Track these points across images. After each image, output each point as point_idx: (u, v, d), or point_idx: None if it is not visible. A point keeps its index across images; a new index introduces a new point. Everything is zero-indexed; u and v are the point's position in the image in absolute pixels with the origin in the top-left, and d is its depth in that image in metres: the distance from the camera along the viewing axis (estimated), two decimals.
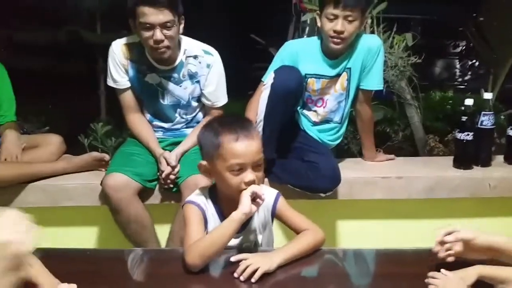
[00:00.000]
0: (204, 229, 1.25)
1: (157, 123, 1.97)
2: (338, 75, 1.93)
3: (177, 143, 1.91)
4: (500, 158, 2.13)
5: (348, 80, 1.93)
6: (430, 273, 1.08)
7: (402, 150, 2.57)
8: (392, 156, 2.19)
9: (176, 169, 1.79)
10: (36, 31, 3.61)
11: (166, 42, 1.74)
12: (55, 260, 1.23)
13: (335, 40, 1.82)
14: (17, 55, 3.37)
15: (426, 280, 1.07)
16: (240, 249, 1.26)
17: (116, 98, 1.96)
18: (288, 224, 1.31)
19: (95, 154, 2.01)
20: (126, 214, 1.72)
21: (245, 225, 1.27)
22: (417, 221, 2.01)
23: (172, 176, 1.78)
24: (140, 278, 1.24)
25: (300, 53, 1.91)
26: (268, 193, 1.32)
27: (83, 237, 1.99)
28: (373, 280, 1.15)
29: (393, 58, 2.53)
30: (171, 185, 1.80)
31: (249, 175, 1.18)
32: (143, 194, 1.84)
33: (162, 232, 1.89)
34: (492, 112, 2.02)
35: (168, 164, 1.78)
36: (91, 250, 1.38)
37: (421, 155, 2.54)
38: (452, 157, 2.11)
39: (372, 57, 1.90)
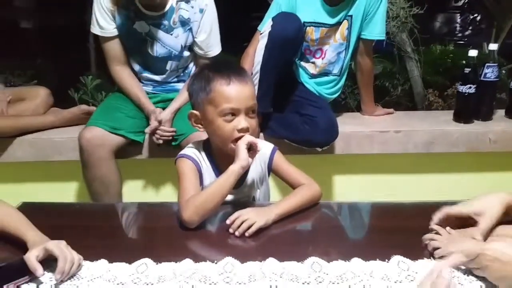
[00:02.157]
0: (199, 183, 1.20)
1: (147, 75, 1.87)
2: (338, 24, 1.84)
3: (168, 100, 1.83)
4: (501, 112, 2.10)
5: (349, 28, 1.84)
6: (434, 227, 1.03)
7: (401, 104, 2.52)
8: (391, 110, 2.14)
9: (168, 127, 1.72)
10: None
11: None
12: (42, 214, 1.20)
13: None
14: (2, 8, 3.21)
15: (425, 236, 1.03)
16: (236, 203, 1.22)
17: None
18: (285, 179, 1.28)
19: (83, 107, 1.95)
20: (93, 171, 1.65)
21: (242, 179, 1.23)
22: (415, 175, 1.99)
23: (162, 132, 1.70)
24: (131, 232, 1.21)
25: (299, 0, 1.81)
26: (265, 146, 1.28)
27: (72, 192, 1.96)
28: (369, 233, 1.12)
29: (395, 9, 2.43)
30: (160, 141, 1.72)
31: (242, 121, 1.12)
32: (130, 148, 1.78)
33: (155, 188, 1.86)
34: (496, 64, 1.97)
35: (155, 119, 1.70)
36: (79, 204, 1.34)
37: (419, 110, 2.49)
38: (451, 112, 2.07)
39: (375, 4, 1.81)
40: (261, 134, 1.88)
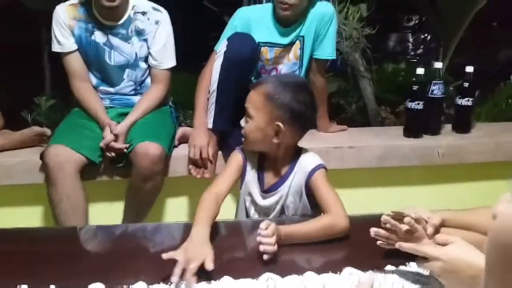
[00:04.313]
0: (236, 178, 1.30)
1: (104, 88, 1.87)
2: (291, 44, 1.89)
3: (125, 114, 1.82)
4: (448, 127, 2.20)
5: (302, 49, 1.90)
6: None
7: (355, 121, 2.59)
8: (344, 126, 2.20)
9: (121, 142, 1.70)
10: None
11: None
12: None
13: (282, 6, 1.77)
14: None
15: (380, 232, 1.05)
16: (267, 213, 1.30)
17: (61, 70, 1.84)
18: (318, 200, 1.24)
19: (36, 128, 1.89)
20: (60, 190, 1.61)
21: (275, 185, 1.28)
22: (369, 189, 2.05)
23: (115, 145, 1.68)
24: (84, 256, 1.18)
25: (253, 20, 1.86)
26: (311, 160, 1.28)
27: (25, 218, 1.88)
28: (322, 246, 1.14)
29: (348, 29, 2.52)
30: (113, 154, 1.71)
31: None
32: (89, 170, 1.75)
33: (114, 209, 1.82)
34: (442, 81, 2.07)
35: (111, 131, 1.69)
36: (29, 229, 1.30)
37: (373, 126, 2.58)
38: (402, 127, 2.14)
39: (325, 25, 1.88)
40: (220, 152, 1.89)
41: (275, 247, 1.06)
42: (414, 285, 0.98)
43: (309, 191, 1.27)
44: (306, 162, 1.27)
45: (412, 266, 1.02)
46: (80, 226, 1.46)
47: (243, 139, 1.29)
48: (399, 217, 1.03)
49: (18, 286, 0.94)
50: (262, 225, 1.07)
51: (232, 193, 1.35)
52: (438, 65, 2.11)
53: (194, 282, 0.96)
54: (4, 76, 3.04)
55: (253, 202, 1.35)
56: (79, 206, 1.64)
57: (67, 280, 0.97)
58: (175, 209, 1.98)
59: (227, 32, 1.87)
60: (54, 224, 1.66)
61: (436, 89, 2.05)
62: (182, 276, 0.96)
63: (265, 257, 1.05)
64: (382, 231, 1.05)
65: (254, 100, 1.25)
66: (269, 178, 1.32)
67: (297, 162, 1.28)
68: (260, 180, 1.32)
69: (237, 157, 1.33)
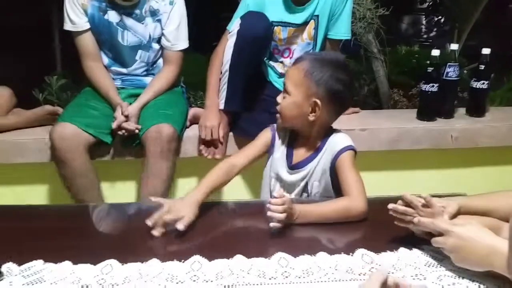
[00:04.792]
0: (258, 154, 1.33)
1: (116, 68, 1.86)
2: (305, 23, 1.86)
3: (137, 95, 1.81)
4: (462, 110, 2.17)
5: (316, 28, 1.87)
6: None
7: (368, 104, 2.57)
8: (357, 109, 2.18)
9: (133, 122, 1.70)
10: None
11: None
12: (4, 217, 1.17)
13: None
14: None
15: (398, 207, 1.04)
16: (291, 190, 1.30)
17: (72, 50, 1.83)
18: (340, 182, 1.22)
19: (47, 107, 1.90)
20: (72, 167, 1.62)
21: (302, 163, 1.28)
22: (380, 172, 2.03)
23: (127, 126, 1.68)
24: (97, 233, 1.19)
25: None
26: (341, 141, 1.26)
27: (37, 195, 1.91)
28: (334, 228, 1.13)
29: (361, 10, 2.48)
30: (125, 134, 1.70)
31: None
32: (100, 149, 1.75)
33: (126, 189, 1.83)
34: (457, 64, 2.03)
35: (122, 113, 1.69)
36: (42, 206, 1.31)
37: (385, 109, 2.55)
38: (415, 110, 2.12)
39: (341, 4, 1.84)
40: (231, 133, 1.89)
41: (282, 216, 1.06)
42: (428, 267, 0.97)
43: (334, 172, 1.26)
44: (336, 142, 1.26)
45: (426, 250, 1.02)
46: (94, 204, 1.47)
47: (277, 115, 1.29)
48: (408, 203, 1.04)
49: (34, 261, 0.95)
50: (276, 193, 1.08)
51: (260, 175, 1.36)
52: (454, 46, 2.07)
53: (160, 231, 1.07)
54: (16, 55, 3.06)
55: (279, 178, 1.35)
56: (93, 184, 1.66)
57: (82, 256, 0.98)
58: (185, 190, 1.98)
59: (240, 11, 1.84)
60: (70, 201, 1.68)
61: (451, 71, 2.02)
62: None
63: (271, 224, 1.06)
64: (400, 207, 1.05)
65: (292, 76, 1.24)
66: (298, 155, 1.31)
67: (327, 141, 1.28)
68: (289, 156, 1.32)
69: (266, 134, 1.36)
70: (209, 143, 1.80)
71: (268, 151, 1.36)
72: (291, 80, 1.24)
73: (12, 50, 3.05)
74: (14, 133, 1.86)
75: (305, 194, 1.32)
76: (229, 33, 1.80)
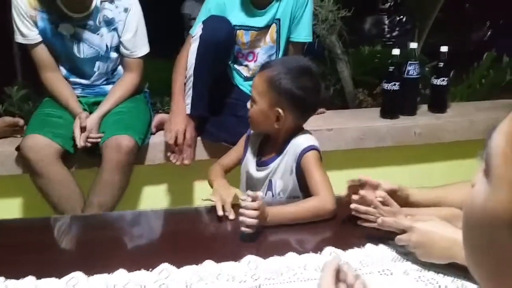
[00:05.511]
0: (236, 157, 1.42)
1: (74, 79, 1.82)
2: (268, 27, 1.87)
3: (98, 103, 1.78)
4: (424, 107, 2.22)
5: (278, 32, 1.89)
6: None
7: (334, 104, 2.60)
8: (322, 109, 2.21)
9: (94, 133, 1.67)
10: None
11: None
12: None
13: None
14: None
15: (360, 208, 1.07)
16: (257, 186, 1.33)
17: (31, 59, 1.77)
18: (307, 182, 1.23)
19: (7, 119, 1.85)
20: (48, 178, 1.59)
21: (269, 160, 1.32)
22: (347, 171, 2.06)
23: (89, 140, 1.65)
24: (62, 246, 1.16)
25: (228, 3, 1.83)
26: (304, 141, 1.27)
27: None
28: (302, 227, 1.15)
29: (324, 12, 2.52)
30: (88, 144, 1.66)
31: None
32: (66, 159, 1.71)
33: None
34: (417, 62, 2.09)
35: (80, 124, 1.66)
36: (3, 220, 1.27)
37: (351, 109, 2.59)
38: (379, 109, 2.16)
39: (301, 7, 1.86)
40: (199, 138, 1.88)
41: (255, 221, 1.06)
42: (394, 262, 1.00)
43: (300, 173, 1.27)
44: (298, 143, 1.28)
45: (391, 245, 1.04)
46: (55, 216, 1.43)
47: (249, 119, 1.32)
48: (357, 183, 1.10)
49: None
50: (250, 192, 1.09)
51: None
52: (413, 45, 2.13)
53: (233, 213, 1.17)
54: None
55: (248, 174, 1.38)
56: (73, 190, 1.63)
57: (46, 270, 0.95)
58: (153, 197, 1.96)
59: (202, 15, 1.84)
60: (30, 214, 1.63)
61: (412, 70, 2.07)
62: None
63: (243, 229, 1.06)
64: (361, 207, 1.07)
65: (257, 85, 1.26)
66: (267, 154, 1.35)
67: (291, 141, 1.29)
68: (259, 154, 1.37)
69: (243, 136, 1.42)
70: (175, 149, 1.79)
71: (244, 149, 1.41)
72: (256, 89, 1.27)
73: None
74: None
75: (269, 193, 1.33)
76: (192, 37, 1.79)
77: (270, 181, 1.32)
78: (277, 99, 1.23)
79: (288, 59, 1.74)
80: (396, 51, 2.02)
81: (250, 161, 1.38)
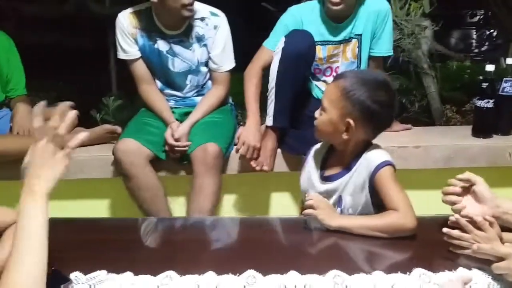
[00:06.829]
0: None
1: (168, 91, 1.96)
2: (345, 41, 1.86)
3: (189, 113, 1.89)
4: None
5: (359, 47, 1.87)
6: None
7: (419, 121, 2.51)
8: (409, 126, 2.14)
9: (183, 142, 1.77)
10: (43, 3, 3.57)
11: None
12: (67, 230, 1.23)
13: (333, 1, 1.74)
14: (25, 29, 3.33)
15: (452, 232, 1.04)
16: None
17: (127, 72, 1.94)
18: (383, 199, 1.18)
19: (107, 126, 2.01)
20: (137, 180, 1.72)
21: (336, 177, 1.27)
22: (434, 191, 1.97)
23: (177, 147, 1.77)
24: (156, 246, 1.23)
25: (304, 18, 1.85)
26: (378, 156, 1.23)
27: (94, 210, 2.00)
28: (390, 246, 1.12)
29: (410, 26, 2.45)
30: (177, 155, 1.79)
31: None
32: (156, 164, 1.83)
33: (178, 204, 1.88)
34: None
35: (172, 135, 1.77)
36: (104, 219, 1.38)
37: (437, 126, 2.49)
38: (470, 127, 2.06)
39: (382, 22, 1.84)
40: (279, 150, 1.90)
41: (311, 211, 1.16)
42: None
43: (373, 189, 1.22)
44: (372, 157, 1.23)
45: (486, 270, 0.98)
46: (148, 218, 1.52)
47: (315, 127, 1.30)
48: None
49: (98, 271, 1.00)
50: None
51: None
52: (510, 61, 2.00)
53: None
54: (75, 78, 3.25)
55: (312, 187, 1.34)
56: (159, 194, 1.75)
57: (141, 267, 1.01)
58: (231, 206, 2.02)
59: (278, 29, 1.87)
60: (127, 214, 1.74)
61: (508, 86, 1.95)
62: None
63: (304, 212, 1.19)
64: (454, 232, 1.02)
65: (330, 93, 1.24)
66: (332, 167, 1.31)
67: (363, 156, 1.25)
68: (323, 167, 1.33)
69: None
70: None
71: (306, 163, 1.39)
72: (328, 97, 1.24)
73: (70, 73, 3.24)
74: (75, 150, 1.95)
75: (338, 209, 1.29)
76: (266, 49, 1.85)
77: (340, 197, 1.28)
78: (349, 110, 1.20)
79: (364, 71, 1.72)
80: (490, 67, 1.91)
81: (313, 173, 1.35)
